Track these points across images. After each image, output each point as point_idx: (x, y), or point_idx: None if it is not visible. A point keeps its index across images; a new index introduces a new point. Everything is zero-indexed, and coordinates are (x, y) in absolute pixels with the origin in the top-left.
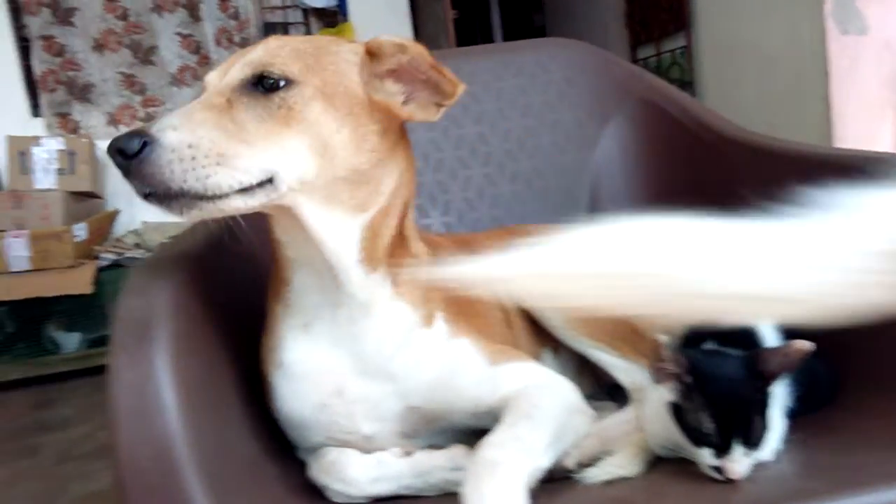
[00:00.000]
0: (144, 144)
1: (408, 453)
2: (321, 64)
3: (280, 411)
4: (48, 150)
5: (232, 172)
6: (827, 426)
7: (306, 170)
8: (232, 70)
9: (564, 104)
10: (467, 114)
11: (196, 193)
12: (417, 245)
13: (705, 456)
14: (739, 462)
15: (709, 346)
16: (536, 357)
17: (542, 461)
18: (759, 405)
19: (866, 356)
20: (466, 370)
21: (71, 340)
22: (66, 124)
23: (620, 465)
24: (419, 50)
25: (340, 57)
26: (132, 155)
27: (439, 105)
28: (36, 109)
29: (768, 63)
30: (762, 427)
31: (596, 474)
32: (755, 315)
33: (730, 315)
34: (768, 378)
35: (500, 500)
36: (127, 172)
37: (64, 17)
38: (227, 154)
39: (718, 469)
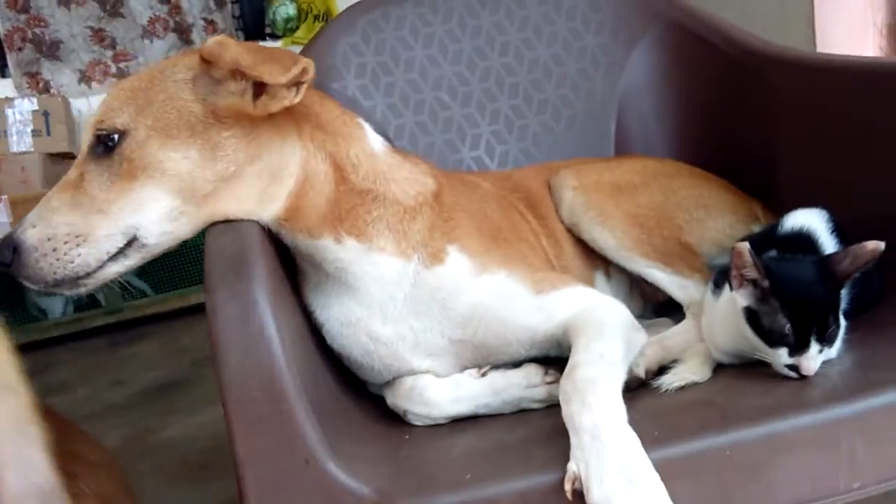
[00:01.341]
0: (14, 250)
1: (483, 374)
2: (150, 98)
3: (343, 361)
4: (21, 110)
5: (95, 247)
6: (881, 323)
7: (169, 210)
8: (83, 135)
9: (590, 30)
10: (492, 45)
11: (70, 278)
12: (391, 188)
13: (781, 356)
14: (814, 359)
15: (771, 253)
16: (589, 280)
17: (622, 374)
18: (833, 305)
19: None
20: (511, 303)
21: (55, 305)
22: (36, 84)
23: (691, 370)
24: (231, 47)
25: (170, 81)
26: (9, 264)
27: (295, 85)
28: (4, 70)
29: None
30: (835, 325)
31: (671, 380)
32: None
33: None
34: (840, 279)
35: (608, 410)
36: (13, 278)
37: None
38: (85, 231)
39: (793, 367)
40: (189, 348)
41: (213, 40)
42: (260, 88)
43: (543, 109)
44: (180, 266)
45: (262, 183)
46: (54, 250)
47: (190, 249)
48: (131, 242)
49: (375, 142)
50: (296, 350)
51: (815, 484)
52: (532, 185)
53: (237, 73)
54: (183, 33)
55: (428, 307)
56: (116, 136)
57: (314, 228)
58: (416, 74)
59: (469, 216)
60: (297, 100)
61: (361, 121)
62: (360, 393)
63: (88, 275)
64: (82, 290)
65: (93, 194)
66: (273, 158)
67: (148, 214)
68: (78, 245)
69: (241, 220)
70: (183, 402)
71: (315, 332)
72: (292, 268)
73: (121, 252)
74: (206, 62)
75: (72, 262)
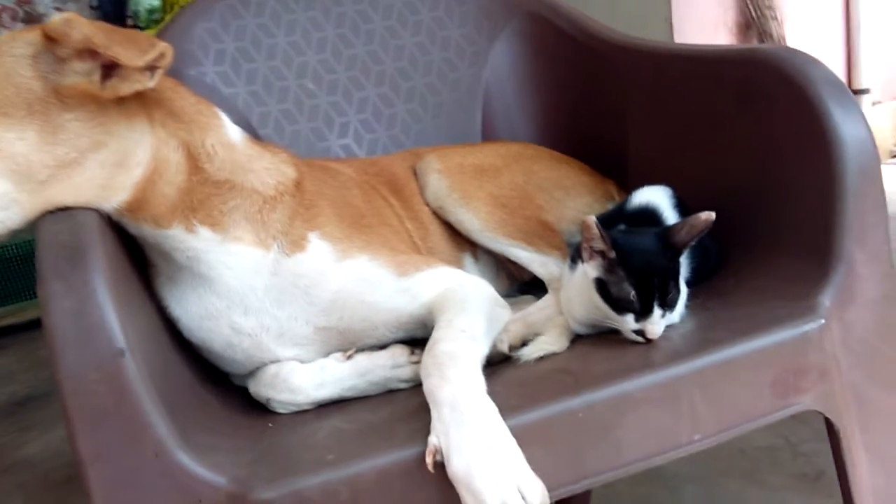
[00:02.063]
0: None
1: (348, 357)
2: None
3: (202, 354)
4: None
5: None
6: (718, 290)
7: (2, 192)
8: None
9: (454, 20)
10: (357, 33)
11: None
12: (249, 178)
13: (628, 321)
14: (657, 323)
15: (620, 227)
16: (457, 262)
17: (484, 348)
18: (673, 272)
19: (743, 228)
20: (374, 287)
21: None
22: None
23: (550, 342)
24: (82, 25)
25: (7, 56)
26: None
27: (150, 69)
28: None
29: None
30: (676, 291)
31: (530, 352)
32: None
33: None
34: (679, 248)
35: (466, 383)
36: None
37: None
38: None
39: (639, 332)
40: (48, 360)
41: (59, 17)
42: (108, 70)
43: (411, 98)
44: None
45: (105, 172)
46: None
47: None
48: None
49: (233, 132)
50: (143, 343)
51: (660, 438)
52: (397, 171)
53: (84, 53)
54: (34, 23)
55: (291, 296)
56: None
57: (162, 218)
58: (280, 62)
59: (330, 203)
60: (152, 84)
61: (218, 110)
62: (221, 385)
63: None
64: None
65: None
66: (120, 146)
67: None
68: None
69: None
70: (43, 416)
71: (169, 326)
72: (140, 262)
73: None
74: (50, 39)
75: None
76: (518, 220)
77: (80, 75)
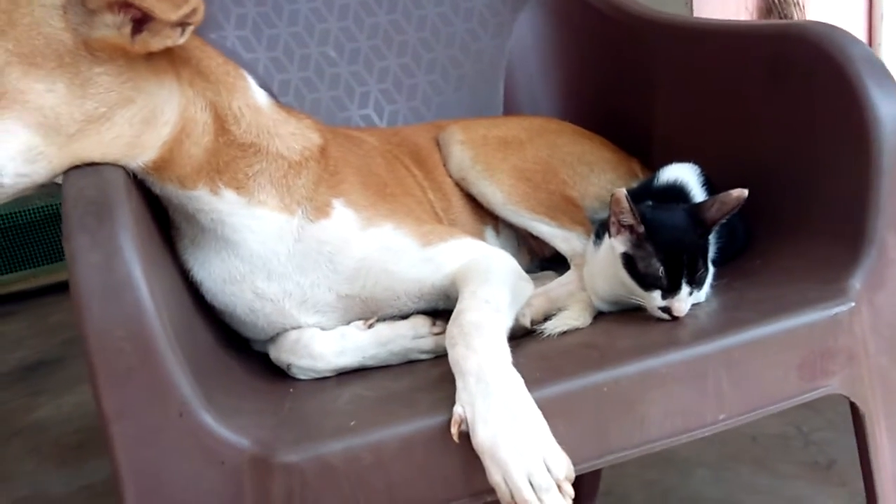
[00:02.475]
0: None
1: (370, 326)
2: (12, 20)
3: (224, 319)
4: None
5: None
6: (745, 270)
7: (30, 145)
8: None
9: None
10: (380, 2)
11: None
12: (275, 142)
13: (655, 298)
14: (685, 301)
15: (648, 203)
16: (479, 234)
17: (508, 320)
18: (702, 249)
19: (770, 208)
20: (398, 256)
21: None
22: None
23: (573, 317)
24: None
25: (38, 5)
26: None
27: (181, 25)
28: None
29: None
30: (704, 269)
31: (554, 326)
32: None
33: None
34: (709, 225)
35: (492, 353)
36: None
37: None
38: None
39: (665, 309)
40: (59, 326)
41: None
42: (139, 25)
43: (433, 69)
44: (48, 240)
45: (132, 129)
46: None
47: (58, 222)
48: None
49: (260, 95)
50: (168, 302)
51: (685, 417)
52: (420, 141)
53: (115, 6)
54: None
55: (314, 262)
56: None
57: (187, 179)
58: (301, 28)
59: (355, 171)
60: (182, 41)
61: (244, 72)
62: (241, 351)
63: None
64: None
65: None
66: (148, 103)
67: (4, 150)
68: None
69: (106, 165)
70: (54, 381)
71: (191, 289)
72: (165, 224)
73: None
74: None
75: None
76: (542, 194)
77: (110, 28)
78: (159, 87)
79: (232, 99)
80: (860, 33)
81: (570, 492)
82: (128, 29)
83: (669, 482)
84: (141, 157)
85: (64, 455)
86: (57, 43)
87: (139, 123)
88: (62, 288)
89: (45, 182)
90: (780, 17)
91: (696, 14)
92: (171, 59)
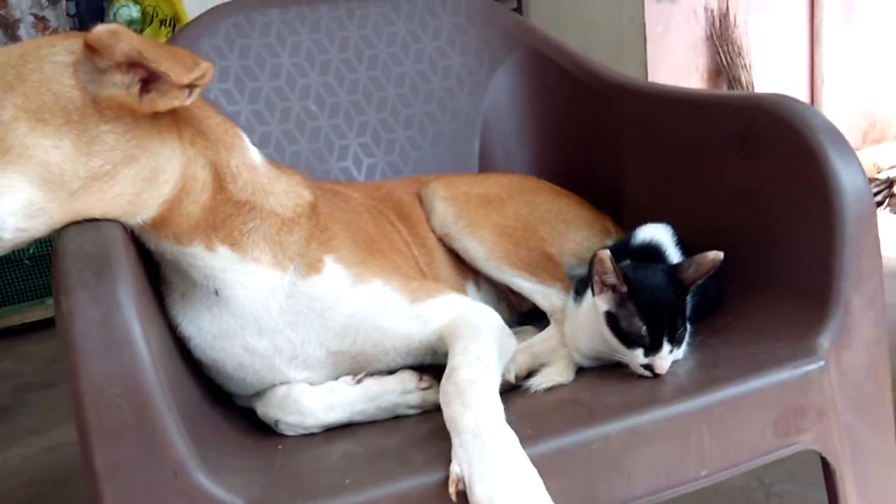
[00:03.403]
0: None
1: (358, 381)
2: (21, 76)
3: (210, 374)
4: None
5: None
6: (718, 327)
7: (31, 201)
8: None
9: (455, 50)
10: (360, 58)
11: None
12: (269, 200)
13: (638, 356)
14: (666, 359)
15: (626, 262)
16: (460, 289)
17: (498, 376)
18: (681, 309)
19: (739, 268)
20: (388, 311)
21: None
22: None
23: (557, 373)
24: (130, 38)
25: (47, 62)
26: None
27: (188, 87)
28: None
29: (591, 30)
30: (683, 327)
31: (540, 382)
32: None
33: None
34: (687, 285)
35: (488, 410)
36: None
37: None
38: None
39: (647, 366)
40: (9, 374)
41: (102, 28)
42: (146, 85)
43: (410, 124)
44: None
45: (135, 187)
46: None
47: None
48: None
49: (254, 153)
50: (162, 359)
51: (669, 473)
52: (402, 196)
53: (126, 66)
54: (9, 28)
55: (306, 318)
56: None
57: (184, 236)
58: (283, 82)
59: (344, 227)
60: (189, 102)
61: (240, 131)
62: (226, 406)
63: None
64: None
65: None
66: (151, 161)
67: (5, 205)
68: None
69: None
70: (2, 432)
71: (178, 344)
72: (153, 278)
73: None
74: (91, 49)
75: None
76: (522, 250)
77: (118, 87)
78: (162, 146)
79: (230, 158)
80: (802, 94)
81: None
82: (136, 89)
83: None
84: (141, 214)
85: None
86: (66, 100)
87: (141, 181)
88: (11, 333)
89: (42, 237)
90: (729, 79)
91: (650, 74)
92: (173, 118)
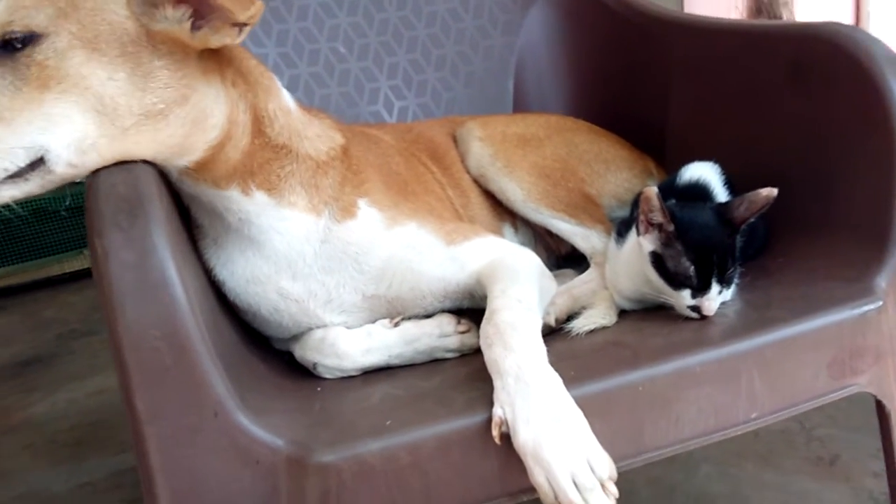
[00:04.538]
0: None
1: (396, 324)
2: (76, 3)
3: (246, 318)
4: None
5: None
6: (767, 268)
7: (85, 134)
8: None
9: None
10: None
11: None
12: (304, 144)
13: (685, 297)
14: (714, 300)
15: (672, 202)
16: (498, 231)
17: (539, 318)
18: (730, 248)
19: (790, 207)
20: (423, 255)
21: None
22: None
23: (600, 315)
24: None
25: None
26: None
27: (239, 25)
28: None
29: None
30: (733, 268)
31: (582, 324)
32: None
33: None
34: (738, 224)
35: (530, 352)
36: None
37: None
38: None
39: (695, 308)
40: (53, 322)
41: None
42: (197, 21)
43: (442, 65)
44: (36, 235)
45: (184, 129)
46: None
47: (48, 217)
48: (34, 165)
49: (288, 98)
50: (199, 301)
51: (718, 416)
52: (435, 137)
53: (176, 0)
54: None
55: (340, 263)
56: (30, 39)
57: (222, 180)
58: (311, 23)
59: (376, 170)
60: (239, 40)
61: (273, 75)
62: (263, 349)
63: None
64: None
65: None
66: (200, 102)
67: (60, 136)
68: None
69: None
70: (49, 378)
71: (213, 288)
72: (186, 222)
73: (20, 174)
74: None
75: None
76: (561, 191)
77: (171, 22)
78: (208, 87)
79: (268, 101)
80: None
81: (614, 491)
82: (188, 24)
83: (674, 478)
84: (186, 157)
85: (60, 452)
86: (121, 31)
87: (190, 123)
88: (52, 283)
89: (86, 174)
90: (770, 17)
91: (686, 10)
92: (217, 58)
